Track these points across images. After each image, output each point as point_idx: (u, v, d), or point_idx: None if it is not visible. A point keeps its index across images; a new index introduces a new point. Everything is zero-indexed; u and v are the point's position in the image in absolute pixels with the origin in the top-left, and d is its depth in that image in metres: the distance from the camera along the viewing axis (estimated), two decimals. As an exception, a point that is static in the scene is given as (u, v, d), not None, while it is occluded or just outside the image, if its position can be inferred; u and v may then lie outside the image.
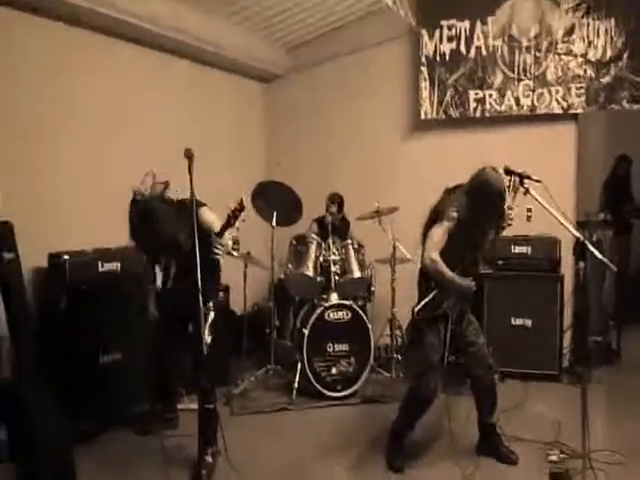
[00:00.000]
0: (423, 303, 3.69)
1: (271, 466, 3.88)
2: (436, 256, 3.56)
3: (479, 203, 3.55)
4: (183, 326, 3.92)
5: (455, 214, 3.57)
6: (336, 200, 5.93)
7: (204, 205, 3.73)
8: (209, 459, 3.71)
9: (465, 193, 3.62)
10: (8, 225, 3.48)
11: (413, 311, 3.72)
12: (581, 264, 3.20)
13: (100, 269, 4.40)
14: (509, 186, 3.49)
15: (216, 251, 3.51)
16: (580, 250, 3.08)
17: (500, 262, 5.60)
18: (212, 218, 3.68)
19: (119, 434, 4.28)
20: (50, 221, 4.42)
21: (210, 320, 3.69)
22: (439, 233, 3.59)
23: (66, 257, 4.16)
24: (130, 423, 4.37)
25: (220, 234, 3.48)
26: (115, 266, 4.48)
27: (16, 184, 4.16)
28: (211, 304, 3.70)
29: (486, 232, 3.72)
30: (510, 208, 3.60)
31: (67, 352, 4.07)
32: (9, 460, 3.32)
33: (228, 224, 3.43)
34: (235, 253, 3.61)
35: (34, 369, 3.32)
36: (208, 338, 3.59)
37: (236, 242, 3.52)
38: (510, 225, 3.69)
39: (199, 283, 3.23)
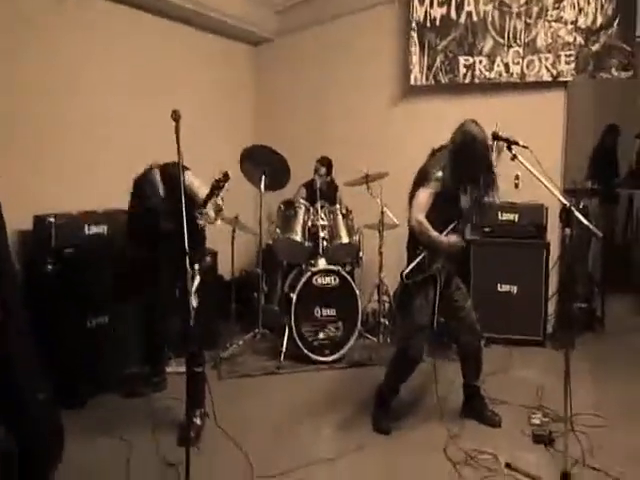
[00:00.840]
0: (412, 266, 3.71)
1: (258, 428, 3.92)
2: (422, 217, 3.59)
3: (463, 156, 3.55)
4: (170, 289, 3.91)
5: (440, 174, 3.59)
6: (325, 162, 5.94)
7: (188, 169, 3.69)
8: (197, 421, 3.75)
9: (449, 151, 3.62)
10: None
11: (402, 274, 3.73)
12: (567, 231, 3.19)
13: (87, 232, 4.37)
14: (491, 145, 3.49)
15: (199, 221, 3.49)
16: (566, 217, 3.07)
17: (486, 229, 5.62)
18: (197, 184, 3.65)
19: (107, 397, 4.29)
20: (35, 183, 4.37)
21: (196, 284, 3.68)
22: (425, 195, 3.62)
23: (52, 219, 4.13)
24: (118, 386, 4.38)
25: (204, 205, 3.45)
26: (102, 229, 4.46)
27: (0, 146, 4.12)
28: (196, 267, 3.69)
29: (474, 189, 3.69)
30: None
31: (54, 315, 4.05)
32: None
33: (212, 194, 3.40)
34: (218, 222, 3.57)
35: (21, 332, 3.31)
36: (194, 302, 3.58)
37: (219, 211, 3.48)
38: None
39: (186, 246, 3.22)
